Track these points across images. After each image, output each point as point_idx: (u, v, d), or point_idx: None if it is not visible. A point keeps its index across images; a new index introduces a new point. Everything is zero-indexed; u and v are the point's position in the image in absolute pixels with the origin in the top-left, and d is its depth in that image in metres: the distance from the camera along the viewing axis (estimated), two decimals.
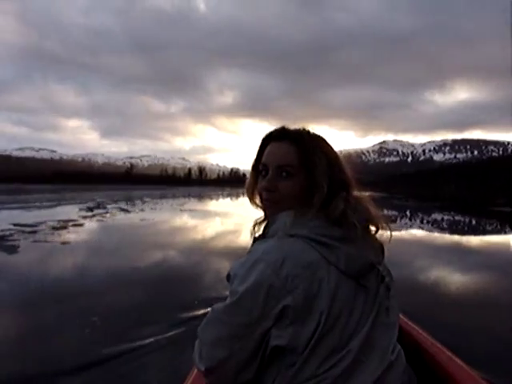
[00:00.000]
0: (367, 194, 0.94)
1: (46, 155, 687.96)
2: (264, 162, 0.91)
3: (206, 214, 13.79)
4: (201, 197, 30.73)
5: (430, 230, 10.86)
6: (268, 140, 0.93)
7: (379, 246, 0.88)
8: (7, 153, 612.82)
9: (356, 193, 0.88)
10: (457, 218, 16.53)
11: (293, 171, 0.86)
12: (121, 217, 11.72)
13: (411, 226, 11.42)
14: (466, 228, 12.37)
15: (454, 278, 4.97)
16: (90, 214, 12.22)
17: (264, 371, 0.78)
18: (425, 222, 13.68)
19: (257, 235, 0.93)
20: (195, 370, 1.00)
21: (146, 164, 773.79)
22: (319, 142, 0.89)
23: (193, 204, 21.25)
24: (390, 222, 0.91)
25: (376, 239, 0.87)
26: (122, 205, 17.66)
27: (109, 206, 16.26)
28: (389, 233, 0.89)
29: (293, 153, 0.86)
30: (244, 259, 0.79)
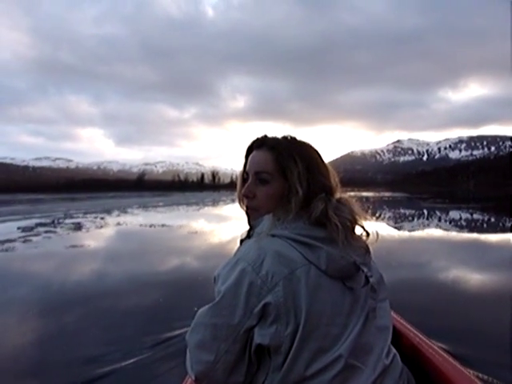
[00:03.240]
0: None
1: (62, 164, 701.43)
2: (246, 171, 0.94)
3: (181, 237, 10.21)
4: (199, 204, 27.25)
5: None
6: (251, 149, 0.95)
7: (364, 247, 0.86)
8: (25, 163, 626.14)
9: (340, 195, 0.89)
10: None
11: (269, 178, 0.88)
12: (50, 243, 8.40)
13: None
14: None
15: None
16: (15, 236, 8.97)
17: (253, 375, 0.79)
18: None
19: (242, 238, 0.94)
20: (189, 379, 0.99)
21: (160, 170, 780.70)
22: (298, 147, 0.90)
23: (180, 215, 17.91)
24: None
25: (361, 240, 0.87)
26: (90, 218, 14.37)
27: (66, 221, 13.13)
28: (376, 234, 0.89)
29: (269, 159, 0.89)
30: (228, 260, 0.82)
